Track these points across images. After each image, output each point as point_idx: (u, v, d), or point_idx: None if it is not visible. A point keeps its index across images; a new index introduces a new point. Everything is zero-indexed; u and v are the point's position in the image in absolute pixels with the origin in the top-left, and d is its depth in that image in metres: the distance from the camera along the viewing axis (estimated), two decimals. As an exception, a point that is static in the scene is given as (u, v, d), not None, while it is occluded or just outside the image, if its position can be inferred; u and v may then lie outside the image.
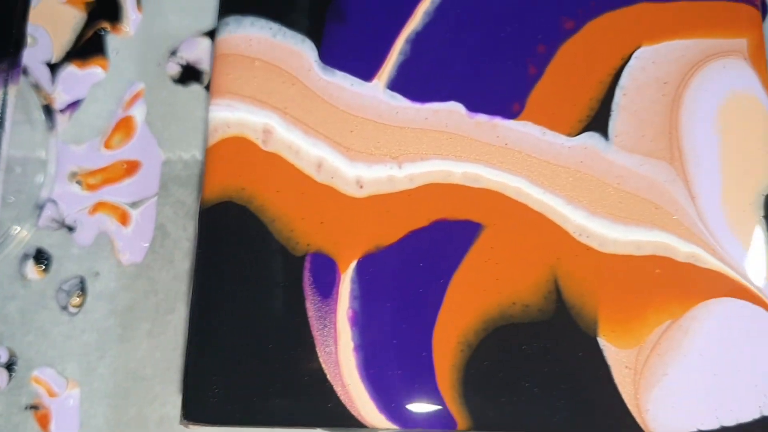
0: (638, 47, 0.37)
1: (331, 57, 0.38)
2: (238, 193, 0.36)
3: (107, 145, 0.46)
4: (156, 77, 0.46)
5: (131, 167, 0.46)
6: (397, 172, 0.36)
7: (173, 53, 0.45)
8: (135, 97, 0.46)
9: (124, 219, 0.45)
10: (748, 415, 0.33)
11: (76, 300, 0.42)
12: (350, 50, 0.38)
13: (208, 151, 0.37)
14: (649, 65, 0.37)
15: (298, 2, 0.38)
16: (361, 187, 0.36)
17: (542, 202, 0.36)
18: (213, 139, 0.37)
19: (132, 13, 0.47)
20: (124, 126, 0.46)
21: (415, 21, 0.38)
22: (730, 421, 0.33)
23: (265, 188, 0.36)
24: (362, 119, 0.37)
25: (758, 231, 0.35)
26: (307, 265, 0.35)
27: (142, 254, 0.44)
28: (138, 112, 0.46)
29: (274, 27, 0.38)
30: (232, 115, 0.37)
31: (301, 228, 0.35)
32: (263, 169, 0.36)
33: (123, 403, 0.41)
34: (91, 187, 0.44)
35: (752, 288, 0.35)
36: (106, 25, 0.46)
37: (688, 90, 0.37)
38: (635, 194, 0.36)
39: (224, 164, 0.36)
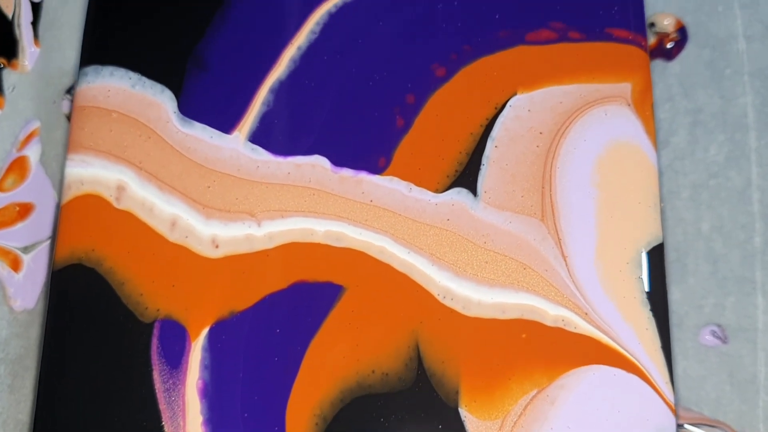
0: (513, 95, 0.35)
1: (190, 108, 0.36)
2: (87, 255, 0.34)
3: (0, 188, 0.44)
4: (52, 115, 0.44)
5: (24, 210, 0.44)
6: (255, 231, 0.34)
7: (68, 91, 0.44)
8: (30, 137, 0.44)
9: (15, 264, 0.43)
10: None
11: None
12: (211, 100, 0.36)
13: (61, 210, 0.35)
14: (524, 114, 0.35)
15: (158, 50, 0.36)
16: (217, 246, 0.34)
17: (406, 263, 0.34)
18: (66, 197, 0.35)
19: (29, 46, 0.45)
20: (18, 167, 0.44)
21: (280, 69, 0.36)
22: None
23: (115, 249, 0.34)
24: (220, 174, 0.35)
25: (634, 292, 0.33)
26: (155, 332, 0.33)
27: (34, 300, 0.42)
28: (32, 153, 0.44)
29: (134, 77, 0.36)
30: (86, 172, 0.35)
31: (151, 292, 0.34)
32: (115, 229, 0.34)
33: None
34: (-20, 232, 0.42)
35: (626, 354, 0.32)
36: (2, 60, 0.45)
37: (564, 140, 0.35)
38: (502, 254, 0.33)
39: (75, 224, 0.35)
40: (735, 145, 0.38)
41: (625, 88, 0.35)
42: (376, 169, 0.35)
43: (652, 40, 0.39)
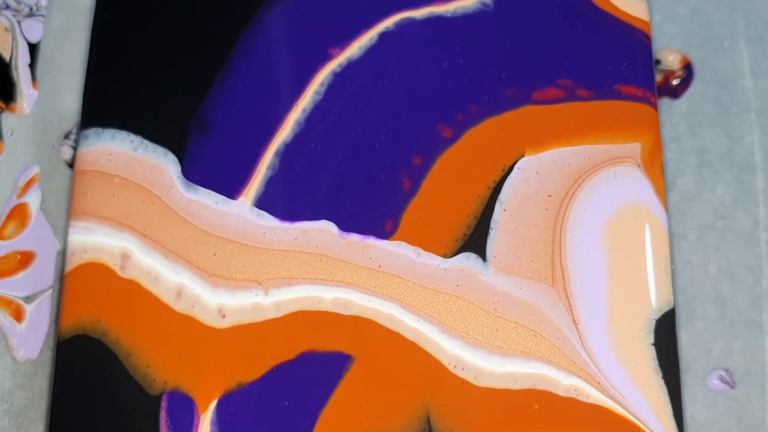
0: (521, 156, 0.35)
1: (194, 172, 0.35)
2: (93, 326, 0.34)
3: (0, 236, 0.44)
4: (51, 161, 0.43)
5: (25, 258, 0.44)
6: (262, 299, 0.34)
7: (67, 136, 0.43)
8: (30, 183, 0.44)
9: (18, 314, 0.43)
10: None
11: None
12: (215, 164, 0.35)
13: (65, 279, 0.34)
14: (532, 176, 0.35)
15: (161, 112, 0.36)
16: (224, 316, 0.34)
17: (416, 331, 0.33)
18: (70, 266, 0.35)
19: (27, 89, 0.44)
20: (18, 214, 0.44)
21: (285, 131, 0.36)
22: None
23: (121, 320, 0.34)
24: (226, 241, 0.35)
25: (646, 359, 0.33)
26: (163, 404, 0.33)
27: (37, 350, 0.42)
28: (33, 199, 0.43)
29: (136, 140, 0.36)
30: (90, 239, 0.35)
31: (158, 363, 0.33)
32: (120, 299, 0.34)
33: None
34: (-18, 282, 0.42)
35: (639, 424, 0.32)
36: (0, 104, 0.44)
37: (574, 203, 0.34)
38: (513, 321, 0.33)
39: (80, 294, 0.34)
40: (742, 185, 0.38)
41: (635, 148, 0.35)
42: (384, 234, 0.34)
43: (658, 77, 0.39)
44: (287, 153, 0.35)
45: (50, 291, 0.42)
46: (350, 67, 0.36)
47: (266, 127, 0.36)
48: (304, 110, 0.36)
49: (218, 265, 0.34)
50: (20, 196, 0.43)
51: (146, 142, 0.36)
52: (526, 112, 0.35)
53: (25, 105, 0.43)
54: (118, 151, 0.36)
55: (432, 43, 0.36)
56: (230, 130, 0.36)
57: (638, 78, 0.36)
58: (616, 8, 0.37)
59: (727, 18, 0.40)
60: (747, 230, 0.37)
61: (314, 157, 0.35)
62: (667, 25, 0.40)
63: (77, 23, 0.44)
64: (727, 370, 0.36)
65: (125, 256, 0.35)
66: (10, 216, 0.43)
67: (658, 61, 0.39)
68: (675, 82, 0.39)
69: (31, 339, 0.41)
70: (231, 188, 0.35)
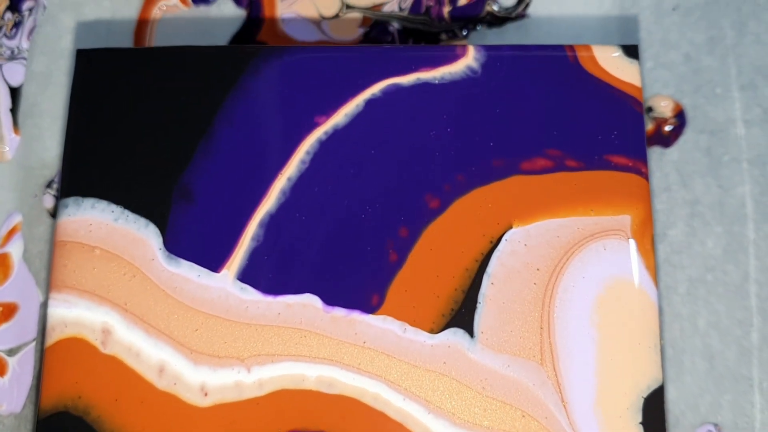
0: (509, 228, 0.34)
1: (177, 244, 0.35)
2: (74, 402, 0.33)
3: None
4: (33, 209, 0.43)
5: (8, 310, 0.43)
6: (245, 377, 0.33)
7: (49, 184, 0.42)
8: (12, 232, 0.43)
9: (1, 368, 0.42)
10: None
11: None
12: (197, 235, 0.35)
13: (45, 354, 0.34)
14: (520, 249, 0.34)
15: (142, 181, 0.35)
16: (206, 394, 0.33)
17: (402, 411, 0.33)
18: (50, 340, 0.34)
19: (9, 134, 0.44)
20: (1, 264, 0.43)
21: (270, 201, 0.35)
22: None
23: (102, 397, 0.33)
24: (208, 316, 0.34)
25: (636, 439, 0.32)
26: (145, 487, 0.32)
27: (20, 404, 0.41)
28: (15, 249, 0.43)
29: (116, 210, 0.35)
30: (70, 313, 0.34)
31: (139, 443, 0.33)
32: (101, 375, 0.33)
33: None
34: (-37, 335, 0.41)
35: (628, 506, 0.32)
36: None
37: (562, 277, 0.34)
38: (501, 400, 0.33)
39: (60, 369, 0.34)
40: (733, 237, 0.37)
41: (625, 220, 0.34)
42: (370, 308, 0.34)
43: (649, 125, 0.38)
44: (272, 224, 0.35)
45: (33, 343, 0.41)
46: (336, 134, 0.36)
47: (250, 197, 0.35)
48: (289, 179, 0.35)
49: (200, 341, 0.34)
50: (2, 245, 0.42)
51: (127, 212, 0.35)
52: (514, 182, 0.35)
53: (7, 149, 0.43)
54: (99, 221, 0.35)
55: (419, 110, 0.36)
56: (213, 199, 0.35)
57: (629, 147, 0.35)
58: (607, 73, 0.36)
59: (720, 64, 0.40)
60: (737, 283, 0.37)
61: (299, 228, 0.35)
62: (659, 71, 0.40)
63: (60, 66, 0.43)
64: (716, 425, 0.35)
65: (106, 331, 0.34)
66: (-8, 267, 0.42)
67: (650, 108, 0.39)
68: (667, 128, 0.39)
69: (14, 393, 0.41)
70: (214, 260, 0.35)
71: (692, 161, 0.39)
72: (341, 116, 0.36)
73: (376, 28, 0.42)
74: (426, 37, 0.41)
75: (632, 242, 0.34)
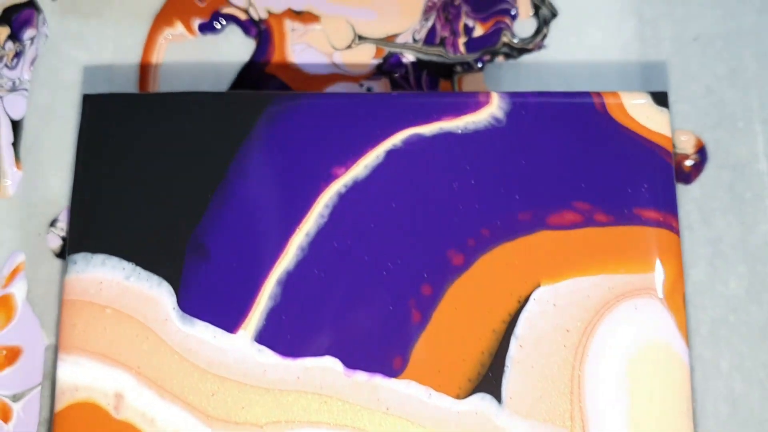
0: (537, 286, 0.33)
1: (191, 303, 0.33)
2: (85, 472, 0.32)
3: None
4: (37, 249, 0.41)
5: (12, 354, 0.42)
6: (263, 444, 0.32)
7: (53, 223, 0.41)
8: (15, 272, 0.41)
9: (5, 414, 0.41)
10: None
11: None
12: (213, 294, 0.33)
13: (54, 419, 0.32)
14: (549, 309, 0.33)
15: (154, 236, 0.34)
16: (223, 463, 0.32)
17: (427, 481, 0.31)
18: (60, 405, 0.33)
19: (10, 169, 0.42)
20: (3, 306, 0.42)
21: (287, 258, 0.34)
22: None
23: (115, 466, 0.32)
24: (225, 379, 0.33)
25: None
26: None
27: None
28: (18, 290, 0.41)
29: (128, 267, 0.34)
30: (81, 376, 0.33)
31: None
32: (114, 443, 0.32)
33: None
34: (-35, 378, 0.40)
35: None
36: None
37: (593, 339, 0.32)
38: (531, 470, 0.31)
39: (71, 436, 0.32)
40: (756, 277, 0.36)
41: (656, 278, 0.33)
42: (392, 372, 0.33)
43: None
44: (289, 282, 0.34)
45: (39, 389, 0.40)
46: (356, 187, 0.34)
47: (267, 253, 0.34)
48: (307, 234, 0.34)
49: (217, 406, 0.32)
50: (5, 286, 0.41)
51: (139, 269, 0.34)
52: (541, 237, 0.34)
53: (9, 186, 0.41)
54: (110, 279, 0.34)
55: (441, 161, 0.34)
56: (228, 256, 0.34)
57: (659, 200, 0.34)
58: (636, 122, 0.35)
59: (741, 96, 0.39)
60: (761, 324, 0.36)
61: (318, 287, 0.33)
62: (680, 105, 0.39)
63: (63, 99, 0.41)
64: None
65: (119, 396, 0.33)
66: (-5, 309, 0.41)
67: (670, 144, 0.38)
68: (688, 163, 0.37)
69: (19, 439, 0.40)
70: (230, 320, 0.33)
71: (714, 198, 0.38)
72: (361, 167, 0.35)
73: (389, 59, 0.41)
74: (440, 69, 0.40)
75: (663, 301, 0.33)
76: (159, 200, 0.34)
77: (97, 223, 0.34)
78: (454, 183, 0.34)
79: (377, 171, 0.35)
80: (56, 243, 0.41)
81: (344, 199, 0.34)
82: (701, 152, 0.38)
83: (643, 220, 0.34)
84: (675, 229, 0.34)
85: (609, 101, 0.35)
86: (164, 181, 0.35)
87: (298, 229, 0.34)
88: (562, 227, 0.34)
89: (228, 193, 0.34)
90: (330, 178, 0.35)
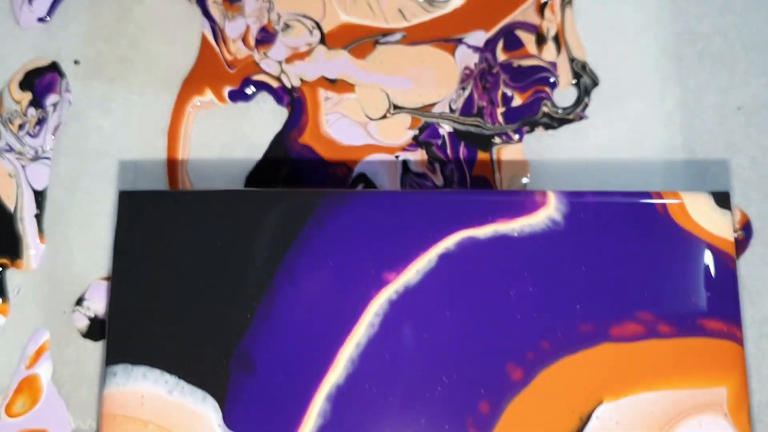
0: (600, 403, 0.32)
1: (237, 420, 0.32)
2: None
3: (9, 412, 0.40)
4: (62, 327, 0.39)
5: (37, 438, 0.40)
6: None
7: (79, 302, 0.39)
8: (40, 352, 0.40)
9: None
10: None
11: None
12: (260, 411, 0.32)
13: None
14: (611, 426, 0.32)
15: (197, 346, 0.32)
16: None
17: None
18: None
19: (33, 242, 0.40)
20: (28, 387, 0.40)
21: (337, 371, 0.32)
22: None
23: None
24: (275, 503, 0.31)
25: None
26: None
27: None
28: (43, 371, 0.40)
29: (171, 381, 0.32)
30: (121, 498, 0.31)
31: None
32: None
33: None
34: (-10, 468, 0.38)
35: None
36: (4, 260, 0.40)
37: (657, 459, 0.31)
38: None
39: None
40: None
41: (721, 393, 0.32)
42: (450, 495, 0.31)
43: None
44: (339, 397, 0.32)
45: (66, 476, 0.38)
46: (408, 294, 0.33)
47: (316, 366, 0.32)
48: (357, 345, 0.32)
49: None
50: (30, 366, 0.39)
51: (182, 383, 0.32)
52: (604, 350, 0.32)
53: (33, 259, 0.39)
54: (151, 393, 0.32)
55: (497, 266, 0.33)
56: (275, 369, 0.32)
57: (723, 310, 0.33)
58: (698, 226, 0.34)
59: None
60: None
61: (369, 403, 0.32)
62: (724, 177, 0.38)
63: (87, 169, 0.39)
64: None
65: None
66: (19, 389, 0.39)
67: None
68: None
69: None
70: (278, 439, 0.32)
71: (760, 276, 0.36)
72: (412, 272, 0.33)
73: (425, 129, 0.39)
74: (478, 140, 0.38)
75: (728, 417, 0.32)
76: (202, 308, 0.33)
77: (136, 331, 0.33)
78: (511, 290, 0.33)
79: (430, 276, 0.33)
80: (83, 323, 0.39)
81: (395, 307, 0.33)
82: (746, 228, 0.37)
83: (708, 332, 0.32)
84: (739, 340, 0.33)
85: (670, 202, 0.34)
86: (207, 288, 0.33)
87: (348, 340, 0.32)
88: (626, 339, 0.32)
89: (274, 302, 0.33)
90: (381, 284, 0.33)
